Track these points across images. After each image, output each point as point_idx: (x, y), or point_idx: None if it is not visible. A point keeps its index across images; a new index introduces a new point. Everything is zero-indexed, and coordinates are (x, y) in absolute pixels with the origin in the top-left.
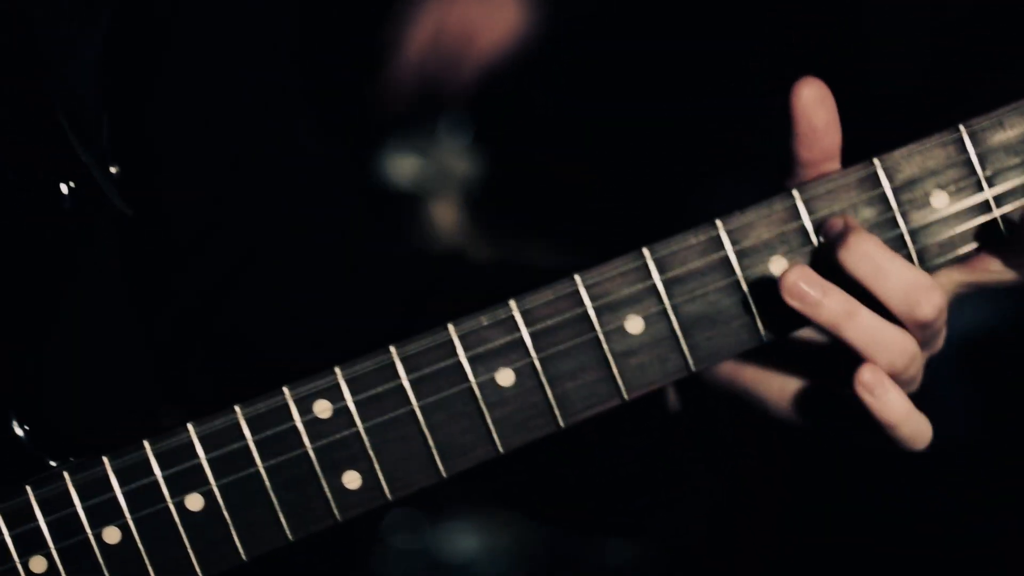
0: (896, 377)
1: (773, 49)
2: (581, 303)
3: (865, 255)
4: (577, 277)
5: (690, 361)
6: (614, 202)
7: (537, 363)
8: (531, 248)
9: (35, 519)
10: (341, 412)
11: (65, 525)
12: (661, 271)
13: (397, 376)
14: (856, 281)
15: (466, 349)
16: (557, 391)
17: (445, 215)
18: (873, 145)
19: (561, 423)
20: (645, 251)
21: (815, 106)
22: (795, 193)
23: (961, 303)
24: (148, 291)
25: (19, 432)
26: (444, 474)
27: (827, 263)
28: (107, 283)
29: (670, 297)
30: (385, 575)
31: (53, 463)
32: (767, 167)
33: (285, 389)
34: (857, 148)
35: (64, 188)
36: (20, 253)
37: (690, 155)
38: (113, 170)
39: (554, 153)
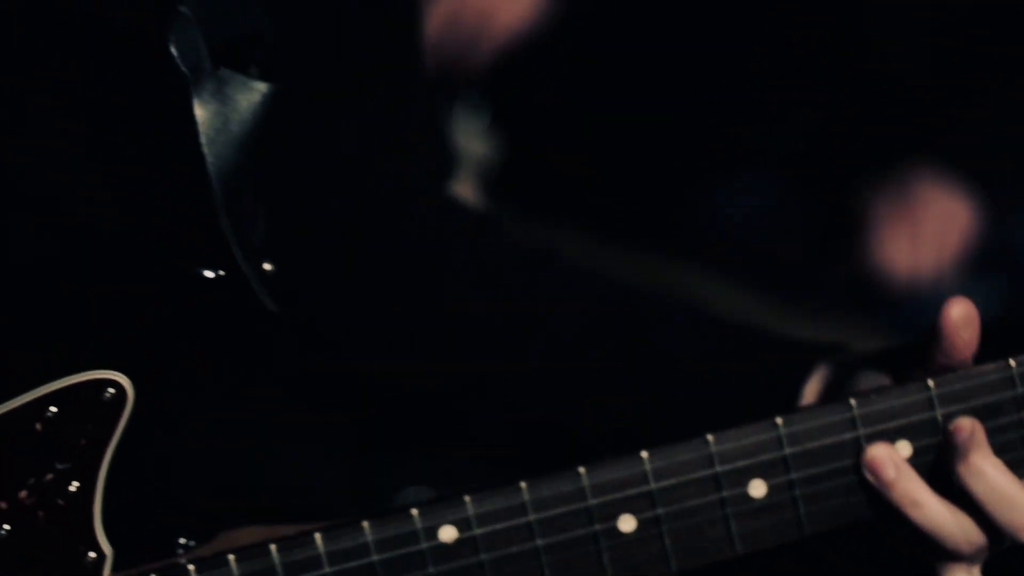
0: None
1: (775, 46)
2: (711, 465)
3: (981, 476)
4: (710, 438)
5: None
6: (619, 191)
7: (661, 515)
8: (547, 230)
9: None
10: (466, 540)
11: None
12: (791, 444)
13: (525, 513)
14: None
15: (593, 495)
16: (676, 542)
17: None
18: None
19: (673, 569)
20: (779, 421)
21: (962, 326)
22: (930, 384)
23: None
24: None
25: (153, 515)
26: None
27: (947, 462)
28: (242, 374)
29: (795, 470)
30: None
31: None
32: (766, 162)
33: (414, 512)
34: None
35: (210, 274)
36: (159, 333)
37: (694, 147)
38: (267, 267)
39: (563, 140)
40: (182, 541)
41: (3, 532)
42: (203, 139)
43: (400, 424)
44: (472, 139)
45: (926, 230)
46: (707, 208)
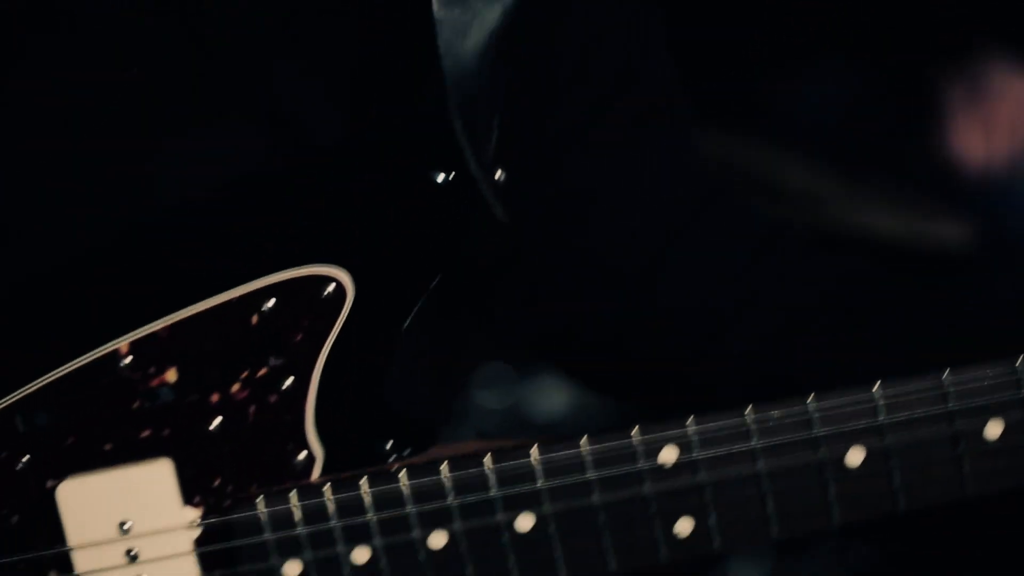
0: None
1: None
2: (945, 401)
3: None
4: (946, 373)
5: None
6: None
7: (891, 449)
8: None
9: (366, 512)
10: (686, 463)
11: (393, 523)
12: None
13: (749, 439)
14: None
15: (822, 424)
16: (904, 480)
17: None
18: None
19: (902, 507)
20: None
21: None
22: None
23: None
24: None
25: (366, 417)
26: (774, 537)
27: None
28: (464, 281)
29: None
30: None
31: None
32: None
33: (635, 431)
34: None
35: (441, 178)
36: (384, 234)
37: (775, 37)
38: (498, 175)
39: None
40: (388, 446)
41: (214, 426)
42: (441, 43)
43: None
44: None
45: (1000, 118)
46: (789, 97)
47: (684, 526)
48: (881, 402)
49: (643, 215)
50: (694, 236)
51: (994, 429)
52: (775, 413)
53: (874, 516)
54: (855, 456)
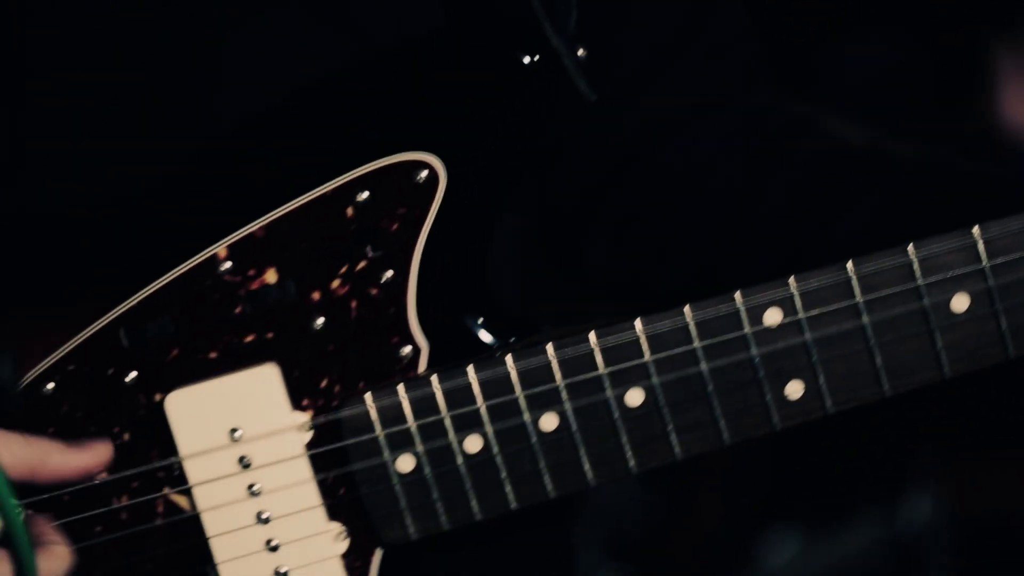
0: None
1: None
2: None
3: None
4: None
5: None
6: None
7: (995, 291)
8: None
9: (475, 401)
10: (791, 323)
11: (503, 408)
12: None
13: (852, 294)
14: None
15: (924, 274)
16: (1012, 322)
17: None
18: None
19: (1011, 353)
20: None
21: None
22: None
23: None
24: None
25: (467, 305)
26: (887, 392)
27: None
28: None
29: None
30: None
31: (498, 340)
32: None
33: (737, 296)
34: None
35: (526, 59)
36: (473, 118)
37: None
38: (580, 53)
39: None
40: (492, 335)
41: (317, 325)
42: None
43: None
44: None
45: None
46: (834, 62)
47: (794, 388)
48: (981, 244)
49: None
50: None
51: None
52: (874, 266)
53: (983, 364)
54: (960, 302)
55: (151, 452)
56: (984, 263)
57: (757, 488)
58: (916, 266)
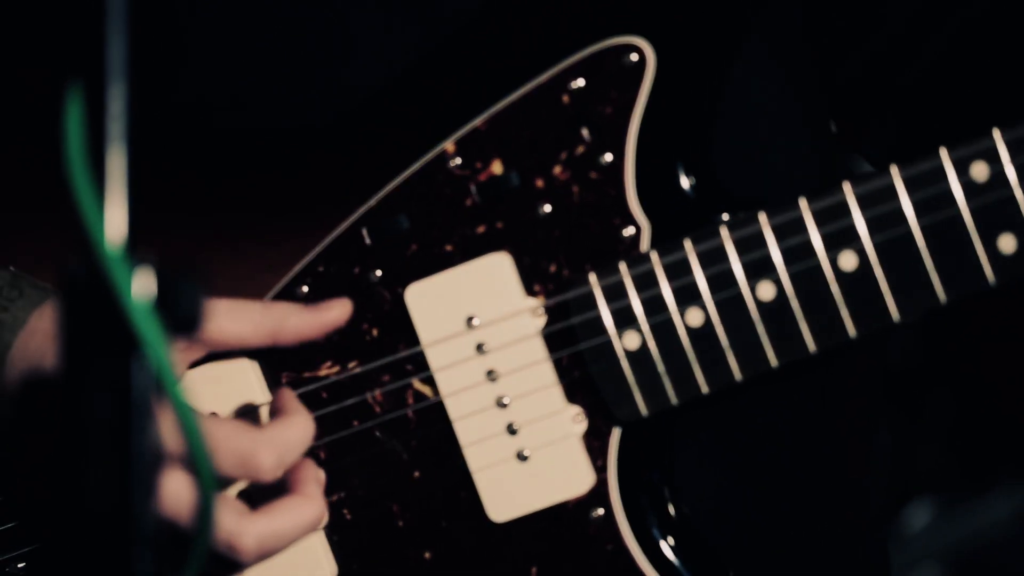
0: None
1: None
2: None
3: None
4: None
5: None
6: None
7: None
8: None
9: (692, 273)
10: (999, 175)
11: (721, 279)
12: None
13: None
14: None
15: None
16: None
17: None
18: None
19: None
20: None
21: None
22: None
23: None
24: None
25: (685, 184)
26: None
27: None
28: (784, 38)
29: None
30: None
31: (715, 217)
32: None
33: (942, 150)
34: None
35: None
36: None
37: None
38: None
39: None
40: (714, 213)
41: (543, 212)
42: None
43: None
44: None
45: None
46: None
47: (1007, 243)
48: None
49: None
50: None
51: None
52: None
53: None
54: None
55: (398, 345)
56: None
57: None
58: None
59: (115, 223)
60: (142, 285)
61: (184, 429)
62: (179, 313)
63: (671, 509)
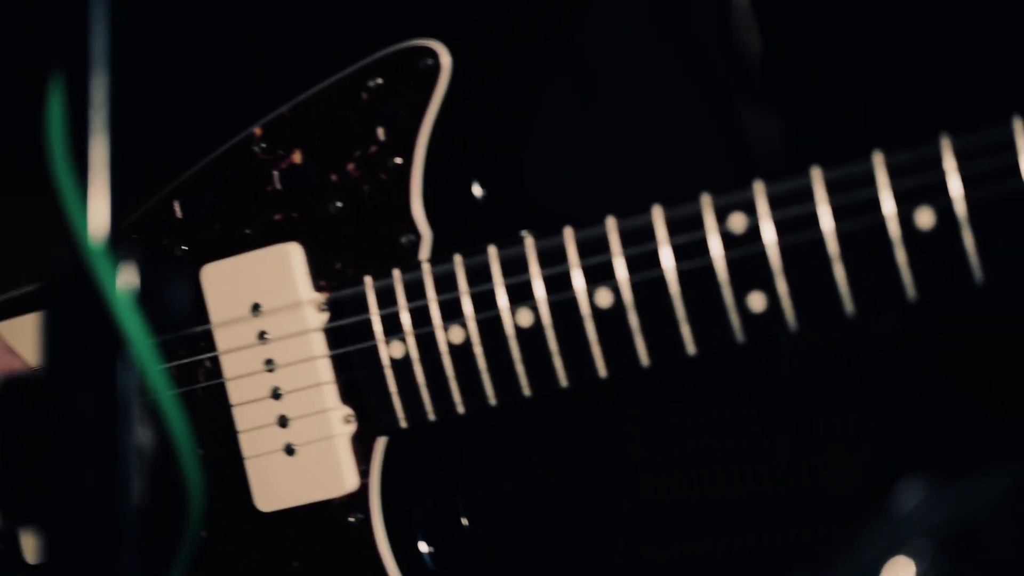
0: None
1: None
2: (1015, 156)
3: None
4: (1015, 121)
5: None
6: None
7: (963, 211)
8: None
9: (459, 290)
10: (754, 229)
11: (484, 299)
12: None
13: (812, 200)
14: None
15: (891, 180)
16: (980, 243)
17: None
18: None
19: (978, 279)
20: None
21: None
22: None
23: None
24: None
25: (477, 194)
26: (851, 313)
27: None
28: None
29: None
30: None
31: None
32: None
33: (704, 197)
34: None
35: None
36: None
37: None
38: None
39: None
40: (522, 233)
41: (335, 208)
42: None
43: None
44: None
45: None
46: None
47: (757, 301)
48: (949, 154)
49: None
50: None
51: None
52: (844, 171)
53: (949, 287)
54: (925, 217)
55: (193, 319)
56: (955, 175)
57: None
58: (880, 171)
59: (98, 216)
60: (125, 279)
61: (169, 425)
62: (166, 308)
63: (443, 525)
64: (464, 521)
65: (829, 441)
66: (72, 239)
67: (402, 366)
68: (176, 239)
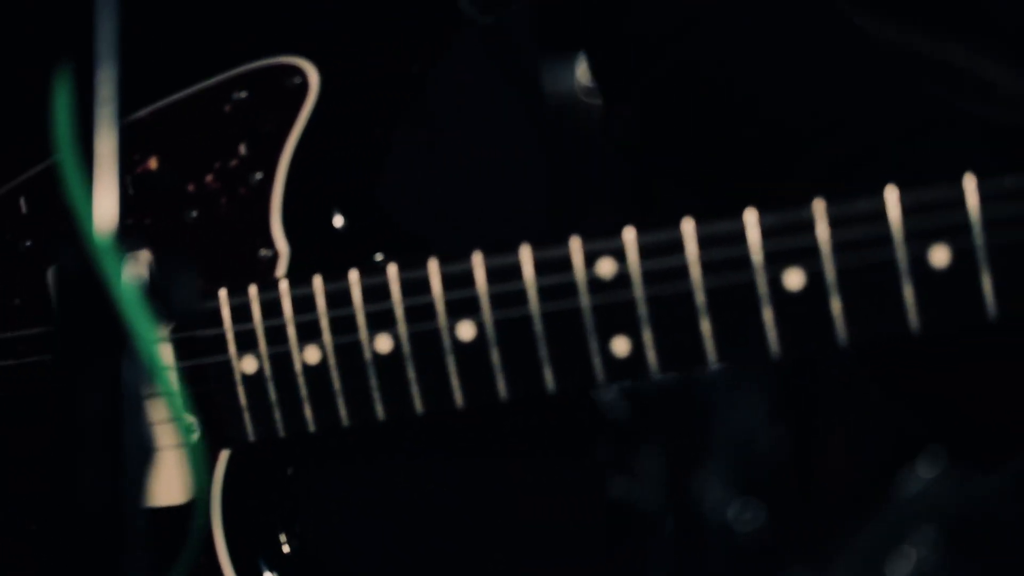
0: None
1: None
2: (887, 226)
3: None
4: (888, 194)
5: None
6: None
7: (831, 273)
8: None
9: (317, 311)
10: (623, 276)
11: (342, 323)
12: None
13: (683, 251)
14: None
15: (763, 240)
16: (845, 305)
17: None
18: None
19: (843, 340)
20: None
21: None
22: None
23: None
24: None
25: (338, 221)
26: (714, 362)
27: None
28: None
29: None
30: None
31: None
32: None
33: (573, 240)
34: None
35: None
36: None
37: None
38: None
39: None
40: (361, 251)
41: (190, 217)
42: None
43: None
44: None
45: None
46: None
47: (621, 345)
48: (820, 218)
49: None
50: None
51: (940, 255)
52: (716, 228)
53: (813, 347)
54: (795, 279)
55: (38, 320)
56: (825, 240)
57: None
58: (752, 233)
59: (105, 210)
60: (132, 273)
61: (175, 421)
62: (172, 302)
63: (284, 542)
64: (299, 541)
65: (828, 435)
66: (78, 232)
67: (254, 381)
68: (20, 234)
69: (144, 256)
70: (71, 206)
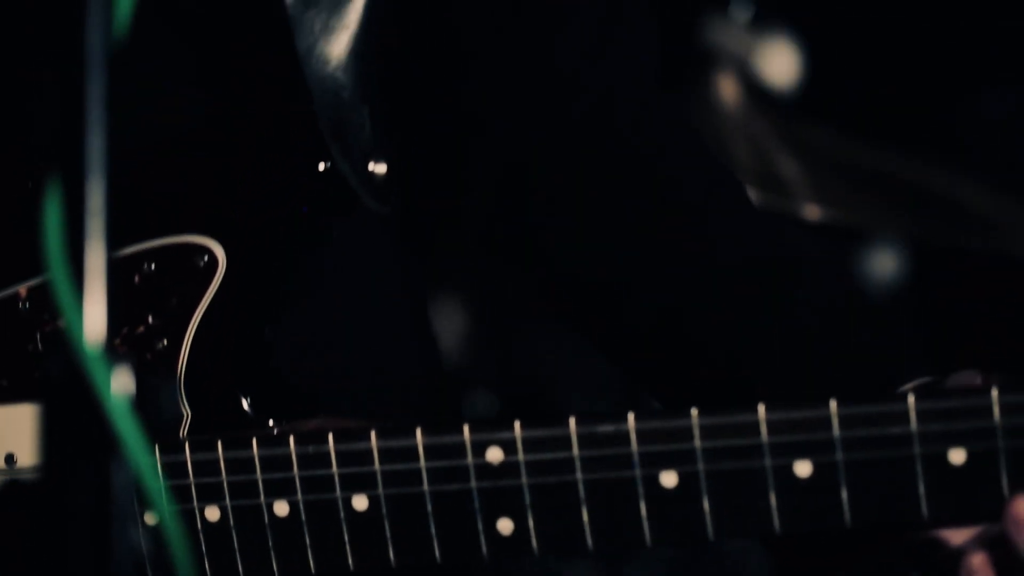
0: None
1: None
2: (758, 434)
3: None
4: (760, 409)
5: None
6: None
7: (703, 475)
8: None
9: (219, 474)
10: (511, 464)
11: (243, 488)
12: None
13: (570, 448)
14: None
15: (639, 443)
16: (714, 506)
17: (728, 88)
18: None
19: (711, 537)
20: (833, 404)
21: None
22: (994, 393)
23: None
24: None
25: (245, 404)
26: (592, 549)
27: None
28: (359, 270)
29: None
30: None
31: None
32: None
33: (466, 427)
34: None
35: (320, 166)
36: (263, 214)
37: (955, 56)
38: (373, 168)
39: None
40: (258, 414)
41: None
42: (300, 43)
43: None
44: (734, 38)
45: None
46: (969, 114)
47: (505, 525)
48: (697, 430)
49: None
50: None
51: (803, 468)
52: (599, 428)
53: (686, 542)
54: (669, 478)
55: None
56: (698, 444)
57: None
58: (632, 433)
59: (94, 321)
60: (121, 384)
61: (164, 527)
62: (158, 414)
63: None
64: None
65: None
66: (68, 342)
67: (154, 535)
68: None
69: (128, 369)
70: (61, 314)
